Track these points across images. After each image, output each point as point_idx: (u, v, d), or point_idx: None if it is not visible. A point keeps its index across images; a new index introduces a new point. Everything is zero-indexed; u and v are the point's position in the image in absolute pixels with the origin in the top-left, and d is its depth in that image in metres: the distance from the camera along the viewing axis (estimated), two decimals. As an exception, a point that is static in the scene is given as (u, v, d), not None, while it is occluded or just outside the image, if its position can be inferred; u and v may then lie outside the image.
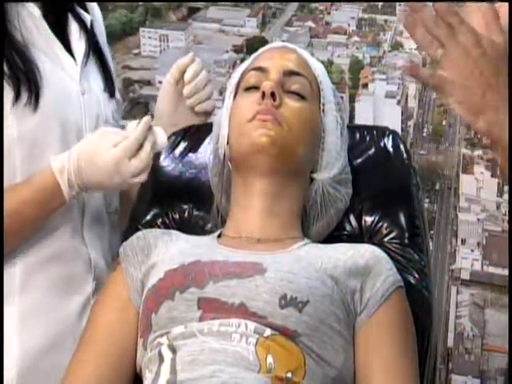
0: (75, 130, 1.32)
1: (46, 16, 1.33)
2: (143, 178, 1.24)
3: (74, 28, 1.38)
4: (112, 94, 1.43)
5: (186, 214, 1.40)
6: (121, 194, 1.49)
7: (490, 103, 0.84)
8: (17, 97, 1.24)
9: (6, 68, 1.24)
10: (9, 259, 1.28)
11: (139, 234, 1.27)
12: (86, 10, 1.42)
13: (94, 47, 1.41)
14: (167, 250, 1.22)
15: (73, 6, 1.40)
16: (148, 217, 1.41)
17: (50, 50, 1.32)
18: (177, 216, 1.40)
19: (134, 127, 1.23)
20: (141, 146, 1.22)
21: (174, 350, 1.07)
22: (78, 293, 1.35)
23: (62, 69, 1.33)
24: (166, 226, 1.39)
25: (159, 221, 1.40)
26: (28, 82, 1.25)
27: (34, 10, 1.31)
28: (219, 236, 1.27)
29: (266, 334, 1.06)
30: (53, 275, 1.32)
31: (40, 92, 1.26)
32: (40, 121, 1.27)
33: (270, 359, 1.04)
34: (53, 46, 1.33)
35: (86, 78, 1.36)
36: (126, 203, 1.48)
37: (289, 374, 1.04)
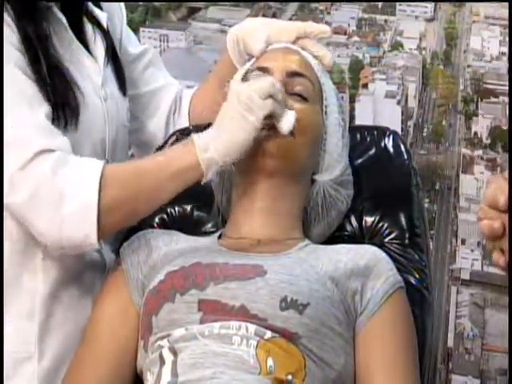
0: (100, 138, 1.31)
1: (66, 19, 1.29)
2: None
3: (89, 30, 1.35)
4: (125, 93, 1.42)
5: (187, 214, 1.40)
6: None
7: None
8: (58, 119, 1.21)
9: (46, 89, 1.21)
10: (34, 278, 1.26)
11: (140, 234, 1.27)
12: (100, 7, 1.38)
13: (110, 46, 1.38)
14: (168, 250, 1.22)
15: (87, 6, 1.35)
16: (148, 216, 1.41)
17: (78, 61, 1.30)
18: (177, 216, 1.40)
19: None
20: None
21: (175, 352, 1.07)
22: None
23: (88, 78, 1.31)
24: (167, 226, 1.39)
25: (159, 220, 1.40)
26: (66, 106, 1.23)
27: (62, 17, 1.28)
28: (220, 237, 1.26)
29: (266, 337, 1.06)
30: (75, 292, 1.30)
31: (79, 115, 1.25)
32: (74, 140, 1.23)
33: (270, 362, 1.04)
34: (81, 56, 1.31)
35: (106, 83, 1.35)
36: None
37: (289, 377, 1.04)
